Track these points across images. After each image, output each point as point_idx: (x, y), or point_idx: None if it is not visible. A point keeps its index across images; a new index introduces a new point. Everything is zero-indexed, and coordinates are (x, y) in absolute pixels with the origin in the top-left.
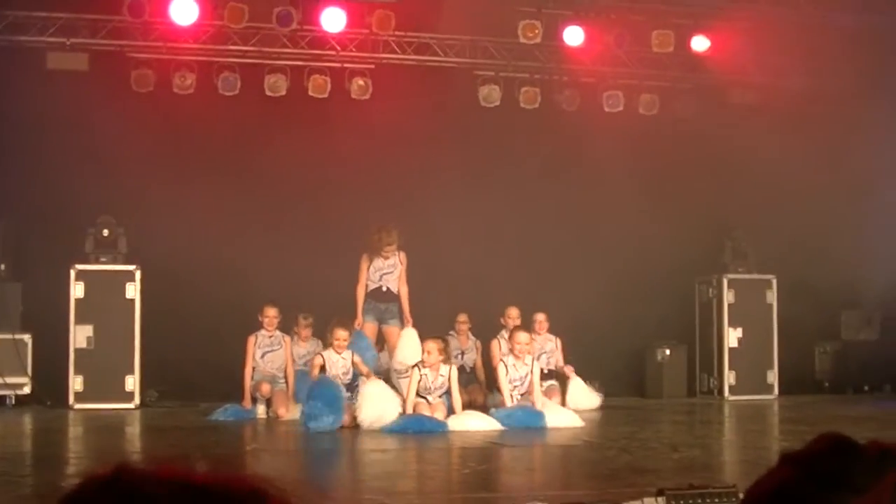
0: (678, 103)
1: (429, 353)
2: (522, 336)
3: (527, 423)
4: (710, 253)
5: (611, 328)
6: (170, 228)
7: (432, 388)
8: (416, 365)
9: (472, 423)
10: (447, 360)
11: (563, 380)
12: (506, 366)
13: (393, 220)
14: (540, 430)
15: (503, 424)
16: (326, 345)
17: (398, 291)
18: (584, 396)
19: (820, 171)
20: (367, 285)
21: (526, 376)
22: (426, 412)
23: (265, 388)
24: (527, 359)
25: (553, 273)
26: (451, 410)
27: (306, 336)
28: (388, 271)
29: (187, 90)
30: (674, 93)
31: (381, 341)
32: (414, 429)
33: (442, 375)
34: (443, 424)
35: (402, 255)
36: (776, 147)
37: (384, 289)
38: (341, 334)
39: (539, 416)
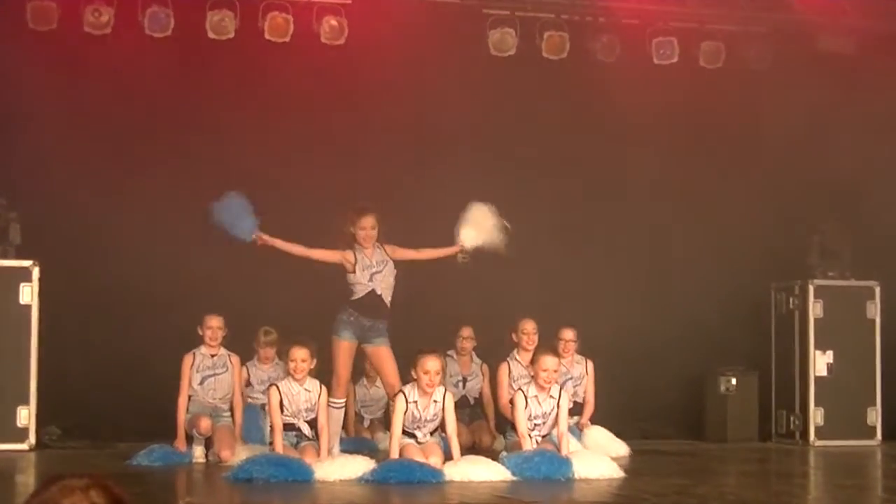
0: (751, 53)
1: (426, 372)
2: (550, 361)
3: (548, 474)
4: (791, 251)
5: (659, 350)
6: (78, 213)
7: (423, 421)
8: (401, 390)
9: (476, 472)
10: (441, 382)
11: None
12: (525, 398)
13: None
14: (564, 483)
15: (517, 474)
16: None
17: (389, 300)
18: (606, 443)
19: None
20: (352, 291)
21: (551, 412)
22: (417, 457)
23: (204, 423)
24: (553, 390)
25: (583, 276)
26: (448, 454)
27: (268, 356)
28: (377, 269)
29: (103, 29)
30: (745, 39)
31: (359, 369)
32: (399, 478)
33: (435, 401)
34: (438, 473)
35: (391, 247)
36: (879, 111)
37: (377, 292)
38: (298, 354)
39: (565, 464)
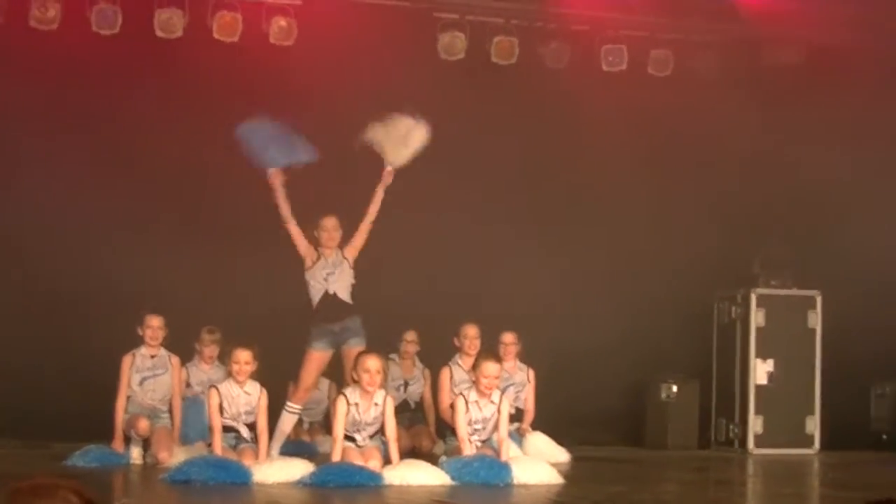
0: (698, 62)
1: (367, 371)
2: (491, 367)
3: (487, 479)
4: (734, 260)
5: (601, 356)
6: (13, 209)
7: (363, 424)
8: (342, 392)
9: (416, 476)
10: (382, 384)
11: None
12: (466, 402)
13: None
14: (503, 489)
15: (456, 479)
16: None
17: (349, 298)
18: (546, 449)
19: (882, 156)
20: (310, 297)
21: (492, 417)
22: (357, 460)
23: (143, 424)
24: (494, 395)
25: (526, 283)
26: (387, 457)
27: (210, 356)
28: (331, 271)
29: (49, 25)
30: (693, 48)
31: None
32: (338, 482)
33: (376, 404)
34: (377, 477)
35: (347, 248)
36: (825, 121)
37: (330, 292)
38: (242, 356)
39: (504, 469)
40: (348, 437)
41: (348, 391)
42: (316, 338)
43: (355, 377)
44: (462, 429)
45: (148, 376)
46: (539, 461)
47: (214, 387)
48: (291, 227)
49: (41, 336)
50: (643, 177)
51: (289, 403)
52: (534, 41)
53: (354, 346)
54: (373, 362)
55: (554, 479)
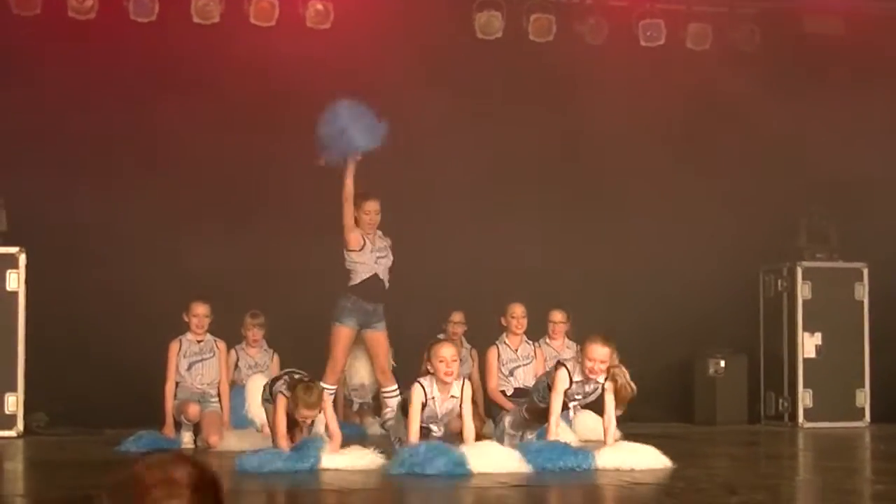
0: (738, 35)
1: (441, 360)
2: (599, 350)
3: (570, 464)
4: (779, 234)
5: (648, 333)
6: (66, 199)
7: (440, 417)
8: (418, 383)
9: (493, 464)
10: (458, 369)
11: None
12: (570, 376)
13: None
14: (566, 471)
15: (537, 465)
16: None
17: (387, 286)
18: (597, 427)
19: None
20: (352, 274)
21: (593, 392)
22: None
23: (193, 409)
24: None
25: (572, 260)
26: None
27: (255, 339)
28: (382, 254)
29: (87, 14)
30: (732, 21)
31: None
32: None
33: (453, 396)
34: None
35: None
36: (868, 92)
37: (380, 276)
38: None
39: (586, 455)
40: (425, 428)
41: (426, 383)
42: (347, 314)
43: (430, 368)
44: (556, 409)
45: (195, 361)
46: (646, 446)
47: (283, 394)
48: (348, 207)
49: (92, 325)
50: (686, 152)
51: (323, 385)
52: (571, 18)
53: (378, 331)
54: (447, 350)
55: (664, 462)
